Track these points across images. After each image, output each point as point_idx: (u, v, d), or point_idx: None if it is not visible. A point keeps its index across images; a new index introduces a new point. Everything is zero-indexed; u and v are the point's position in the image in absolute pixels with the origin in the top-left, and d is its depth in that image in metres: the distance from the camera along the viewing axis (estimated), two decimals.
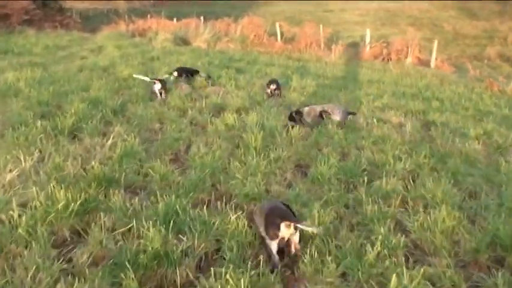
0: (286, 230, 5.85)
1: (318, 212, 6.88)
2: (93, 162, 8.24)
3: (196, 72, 18.18)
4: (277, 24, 37.09)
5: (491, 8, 65.95)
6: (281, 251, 6.11)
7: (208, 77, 18.03)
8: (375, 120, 12.85)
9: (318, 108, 12.61)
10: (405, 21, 59.33)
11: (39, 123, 10.56)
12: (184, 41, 34.89)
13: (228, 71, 19.85)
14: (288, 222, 5.82)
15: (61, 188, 6.87)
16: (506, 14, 61.98)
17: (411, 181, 8.60)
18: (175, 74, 17.69)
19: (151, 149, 9.86)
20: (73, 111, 11.64)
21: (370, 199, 7.66)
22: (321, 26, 35.37)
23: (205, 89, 16.49)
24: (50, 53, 25.31)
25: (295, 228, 5.91)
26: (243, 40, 35.05)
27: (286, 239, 6.01)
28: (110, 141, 9.47)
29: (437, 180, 8.60)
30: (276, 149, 10.01)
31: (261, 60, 26.73)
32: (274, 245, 5.95)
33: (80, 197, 6.81)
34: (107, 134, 10.56)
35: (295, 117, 12.32)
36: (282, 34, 36.66)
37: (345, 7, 68.79)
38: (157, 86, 14.95)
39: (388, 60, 31.07)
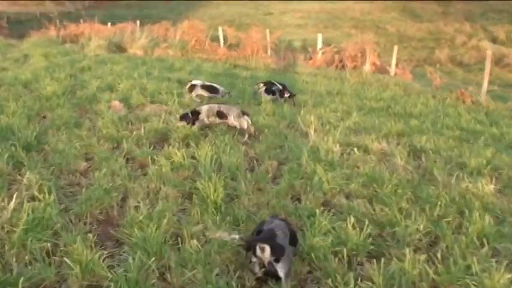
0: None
1: None
2: None
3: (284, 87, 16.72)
4: (219, 29, 34.56)
5: (433, 9, 65.35)
6: None
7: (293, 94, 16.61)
8: (355, 150, 10.44)
9: (215, 108, 11.78)
10: (348, 24, 58.29)
11: None
12: (119, 48, 32.22)
13: (169, 84, 17.30)
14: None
15: None
16: (449, 15, 61.45)
17: (436, 254, 6.20)
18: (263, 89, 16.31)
19: (72, 208, 7.22)
20: None
21: None
22: (268, 30, 33.04)
23: (143, 108, 13.91)
24: None
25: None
26: (183, 46, 32.44)
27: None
28: (12, 203, 6.67)
29: (466, 248, 6.30)
30: (242, 202, 7.57)
31: (205, 69, 24.20)
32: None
33: None
34: (14, 184, 7.91)
35: (191, 117, 11.56)
36: (225, 39, 34.13)
37: (285, 9, 67.29)
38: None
39: (342, 67, 28.75)
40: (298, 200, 7.99)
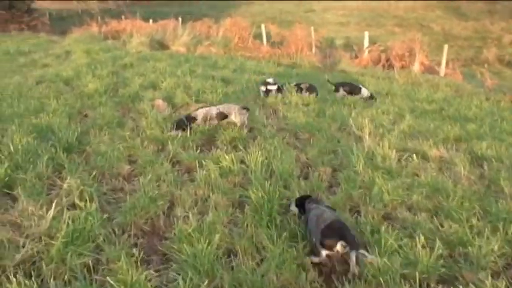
0: (341, 249, 5.74)
1: None
2: (10, 274, 5.02)
3: (358, 89, 16.59)
4: (262, 26, 33.86)
5: (479, 8, 63.99)
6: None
7: (371, 97, 16.44)
8: (414, 157, 9.73)
9: (214, 111, 11.32)
10: (391, 22, 57.24)
11: None
12: (161, 45, 31.79)
13: (213, 83, 16.69)
14: (344, 244, 5.73)
15: None
16: (496, 13, 60.05)
17: None
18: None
19: (115, 217, 6.71)
20: (12, 149, 8.48)
21: None
22: (312, 28, 32.32)
23: (188, 107, 13.37)
24: (9, 60, 22.06)
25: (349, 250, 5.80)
26: (226, 44, 31.83)
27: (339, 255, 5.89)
28: (51, 212, 6.17)
29: None
30: (298, 214, 6.93)
31: (249, 67, 23.46)
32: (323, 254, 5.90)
33: None
34: (54, 189, 7.43)
35: (186, 123, 10.91)
36: (268, 36, 33.44)
37: (327, 6, 66.49)
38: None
39: (389, 66, 27.89)
40: (358, 212, 7.38)
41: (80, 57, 22.74)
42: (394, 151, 9.81)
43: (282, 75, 20.74)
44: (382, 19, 59.02)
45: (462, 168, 9.19)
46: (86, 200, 6.58)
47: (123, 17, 42.34)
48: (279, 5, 67.42)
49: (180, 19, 37.14)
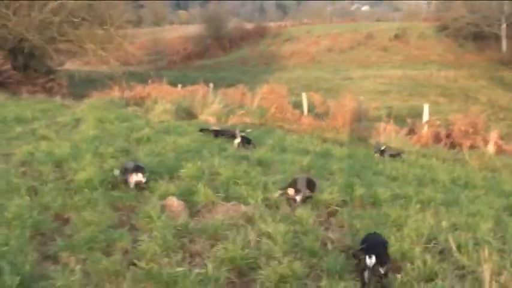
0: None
1: None
2: None
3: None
4: (303, 95, 30.27)
5: None
6: None
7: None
8: None
9: None
10: (434, 91, 54.59)
11: None
12: (188, 113, 28.16)
13: (247, 168, 12.60)
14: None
15: None
16: None
17: None
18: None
19: None
20: None
21: None
22: (362, 97, 28.80)
23: (212, 209, 9.43)
24: (1, 131, 18.19)
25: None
26: (263, 113, 28.14)
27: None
28: None
29: None
30: None
31: (290, 143, 19.29)
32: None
33: None
34: None
35: None
36: (309, 106, 29.93)
37: (366, 75, 64.06)
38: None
39: (451, 144, 23.60)
40: None
41: (90, 128, 18.86)
42: None
43: (330, 156, 16.85)
44: (424, 89, 56.49)
45: None
46: None
47: (149, 81, 39.19)
48: (315, 72, 65.11)
49: (211, 85, 33.67)
